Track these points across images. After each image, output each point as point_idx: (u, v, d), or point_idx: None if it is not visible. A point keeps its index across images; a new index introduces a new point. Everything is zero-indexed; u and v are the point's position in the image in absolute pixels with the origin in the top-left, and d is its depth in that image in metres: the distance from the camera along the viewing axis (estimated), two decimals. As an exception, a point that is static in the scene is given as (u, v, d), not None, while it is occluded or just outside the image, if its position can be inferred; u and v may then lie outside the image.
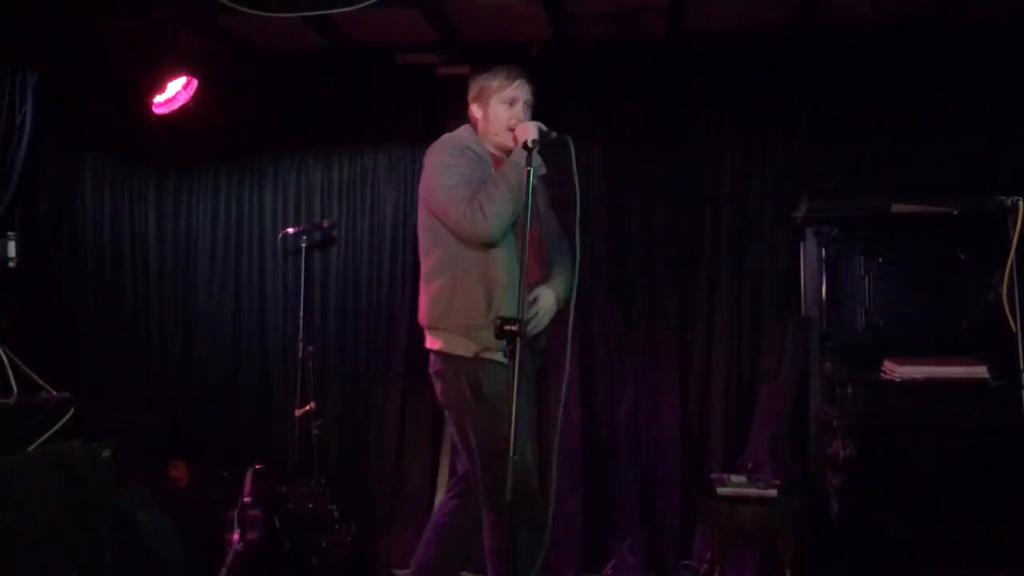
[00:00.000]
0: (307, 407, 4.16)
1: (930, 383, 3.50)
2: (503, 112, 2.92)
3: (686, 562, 4.02)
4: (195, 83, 4.07)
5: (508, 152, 2.89)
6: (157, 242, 4.74)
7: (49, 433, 2.91)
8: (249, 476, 3.88)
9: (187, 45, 4.02)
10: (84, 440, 2.97)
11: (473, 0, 3.65)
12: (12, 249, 3.58)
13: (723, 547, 3.55)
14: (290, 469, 4.14)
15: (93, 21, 3.82)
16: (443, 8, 3.78)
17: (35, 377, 3.05)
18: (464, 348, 2.83)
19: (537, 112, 2.97)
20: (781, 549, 3.50)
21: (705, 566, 3.66)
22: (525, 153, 2.68)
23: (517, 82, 2.92)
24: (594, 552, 4.14)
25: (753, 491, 3.54)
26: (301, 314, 4.32)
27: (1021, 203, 2.84)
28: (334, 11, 3.46)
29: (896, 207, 3.75)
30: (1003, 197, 2.88)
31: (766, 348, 4.09)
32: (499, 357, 2.71)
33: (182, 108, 4.08)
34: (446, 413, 3.03)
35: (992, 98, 4.00)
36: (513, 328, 2.42)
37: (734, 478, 3.64)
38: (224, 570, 3.72)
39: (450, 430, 3.14)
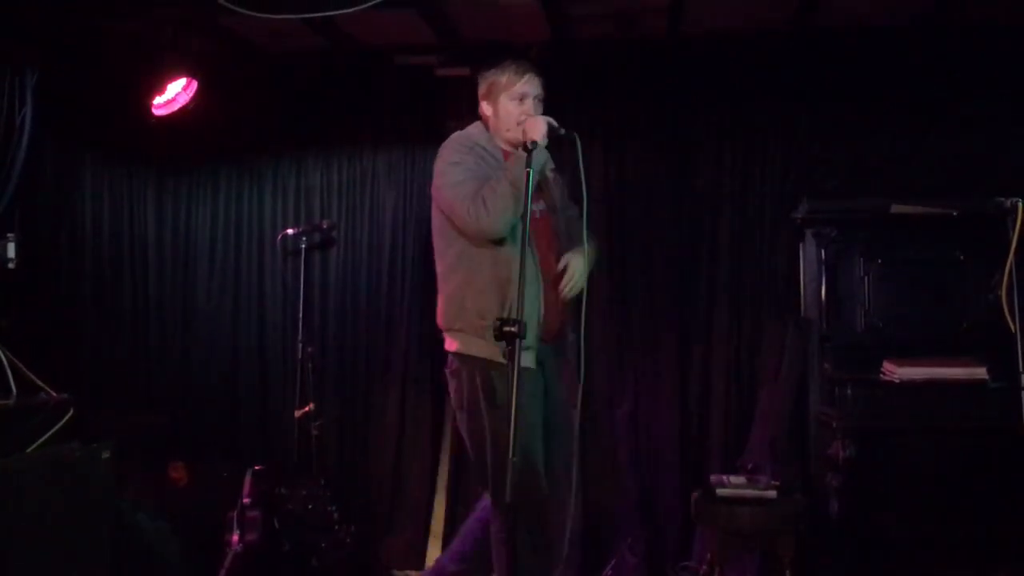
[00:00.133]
0: (307, 408, 4.16)
1: (929, 384, 3.50)
2: (513, 108, 2.90)
3: (686, 563, 4.02)
4: (195, 84, 4.07)
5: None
6: (156, 243, 4.74)
7: (49, 434, 2.92)
8: (248, 477, 3.88)
9: (187, 45, 4.02)
10: (83, 441, 2.97)
11: (472, 1, 3.65)
12: (12, 250, 3.57)
13: (723, 548, 3.55)
14: (289, 470, 4.14)
15: (93, 21, 3.82)
16: (442, 9, 3.78)
17: (34, 378, 3.05)
18: (478, 349, 2.80)
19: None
20: (781, 550, 3.49)
21: (705, 567, 3.66)
22: (537, 149, 2.68)
23: (526, 77, 2.90)
24: (594, 552, 4.14)
25: (753, 492, 3.54)
26: (300, 315, 4.32)
27: (1020, 204, 2.84)
28: (334, 12, 3.46)
29: (896, 208, 3.75)
30: (1002, 198, 2.88)
31: (766, 349, 4.10)
32: (520, 361, 2.69)
33: (182, 109, 4.08)
34: (456, 414, 3.00)
35: (992, 98, 4.00)
36: (512, 329, 2.40)
37: (734, 479, 3.63)
38: (223, 571, 3.72)
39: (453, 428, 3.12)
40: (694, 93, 4.27)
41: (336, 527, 4.02)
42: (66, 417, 2.97)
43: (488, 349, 2.74)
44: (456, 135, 3.01)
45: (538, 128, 2.74)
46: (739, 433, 4.10)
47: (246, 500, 3.83)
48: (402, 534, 4.35)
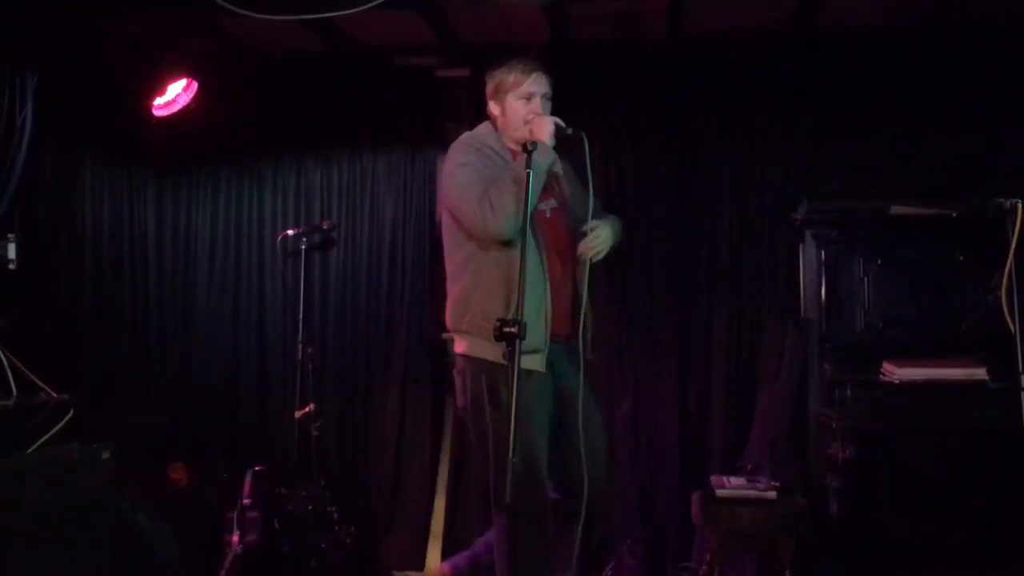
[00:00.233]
0: (307, 409, 4.16)
1: (929, 385, 3.50)
2: (520, 108, 2.88)
3: (685, 564, 4.02)
4: (195, 85, 4.08)
5: None
6: (156, 243, 4.74)
7: (49, 435, 2.92)
8: (248, 477, 3.88)
9: (187, 46, 4.03)
10: (83, 441, 2.98)
11: (473, 2, 3.65)
12: (12, 251, 3.57)
13: (722, 548, 3.55)
14: (289, 470, 4.14)
15: (93, 21, 3.82)
16: (442, 10, 3.78)
17: (34, 379, 3.06)
18: (483, 350, 2.77)
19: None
20: (780, 550, 3.50)
21: (704, 568, 3.66)
22: (544, 147, 2.68)
23: (533, 76, 2.88)
24: (594, 553, 4.13)
25: (752, 492, 3.54)
26: (300, 315, 4.32)
27: (1020, 205, 2.84)
28: (334, 13, 3.46)
29: (895, 209, 3.75)
30: (1002, 199, 2.88)
31: (766, 349, 4.09)
32: (526, 364, 2.65)
33: (182, 110, 4.08)
34: (463, 415, 2.99)
35: (992, 99, 4.00)
36: (512, 330, 2.39)
37: (733, 479, 3.64)
38: (223, 572, 3.72)
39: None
40: (694, 93, 4.27)
41: (336, 528, 4.02)
42: (66, 418, 2.98)
43: (493, 351, 2.70)
44: (464, 136, 2.99)
45: (545, 128, 2.74)
46: (739, 433, 4.10)
47: (246, 501, 3.83)
48: (402, 534, 4.35)
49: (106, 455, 3.00)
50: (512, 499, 2.31)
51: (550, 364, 2.82)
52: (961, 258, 3.78)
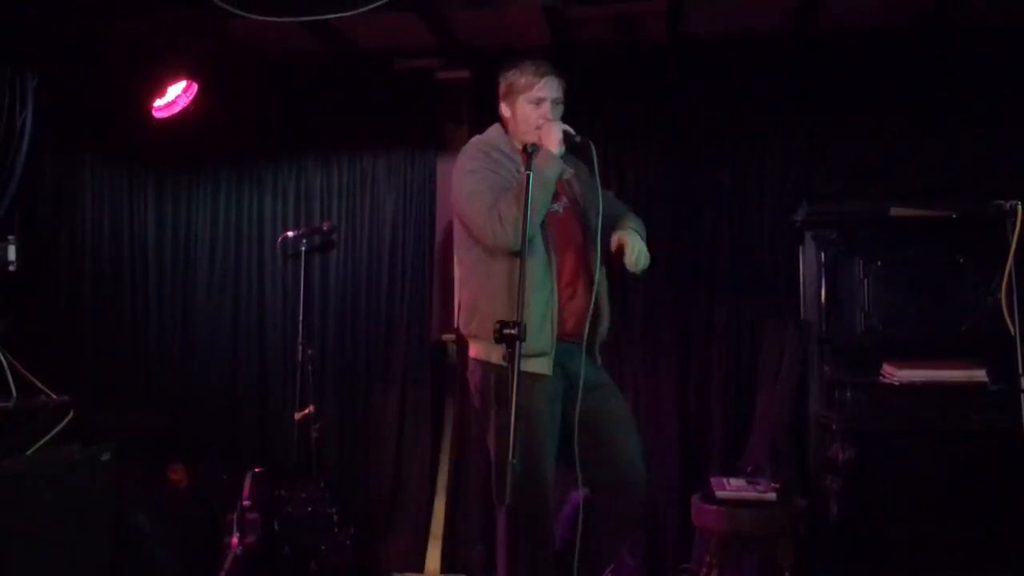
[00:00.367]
0: (306, 410, 4.16)
1: (929, 386, 3.50)
2: (531, 112, 2.87)
3: (685, 565, 4.02)
4: (195, 87, 4.08)
5: None
6: (156, 244, 4.74)
7: (49, 436, 2.93)
8: (248, 479, 3.88)
9: (187, 47, 4.03)
10: (83, 443, 2.98)
11: (473, 3, 3.64)
12: (12, 253, 3.58)
13: (722, 550, 3.55)
14: (289, 472, 4.14)
15: (93, 21, 3.82)
16: (442, 12, 3.78)
17: (34, 380, 3.06)
18: (489, 354, 2.77)
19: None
20: (780, 552, 3.49)
21: (704, 569, 3.65)
22: (552, 158, 2.68)
23: (543, 80, 2.86)
24: (592, 553, 4.13)
25: (752, 494, 3.54)
26: (300, 317, 4.33)
27: (1020, 207, 2.85)
28: (334, 15, 3.46)
29: (895, 211, 3.75)
30: (1002, 201, 2.89)
31: (765, 351, 4.09)
32: (532, 367, 2.67)
33: (182, 112, 4.09)
34: (477, 417, 2.99)
35: (992, 99, 3.99)
36: (513, 332, 2.39)
37: (733, 481, 3.63)
38: (223, 573, 3.73)
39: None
40: (694, 94, 4.27)
41: (336, 529, 4.02)
42: (66, 419, 2.98)
43: (497, 354, 2.69)
44: (474, 139, 2.98)
45: (553, 137, 2.73)
46: (739, 434, 4.09)
47: (246, 502, 3.83)
48: (402, 535, 4.35)
49: (106, 456, 3.00)
50: (511, 499, 2.31)
51: (561, 365, 2.80)
52: (961, 259, 3.78)
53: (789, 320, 4.02)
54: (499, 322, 2.41)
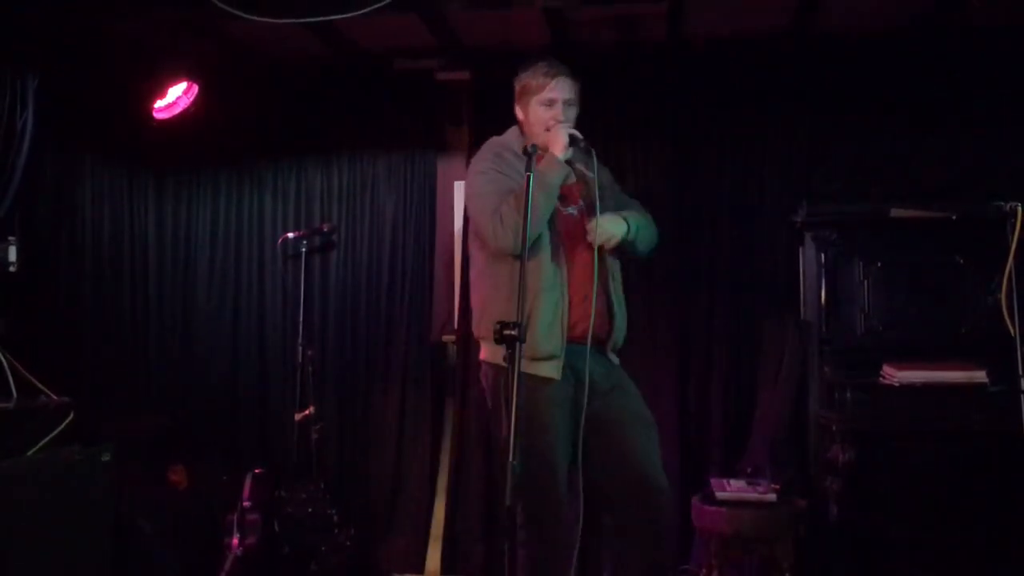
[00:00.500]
0: (306, 411, 4.16)
1: (929, 387, 3.50)
2: (542, 113, 2.88)
3: (685, 566, 4.01)
4: (195, 89, 4.08)
5: None
6: (157, 245, 4.75)
7: (49, 437, 2.92)
8: (248, 480, 3.88)
9: (187, 48, 4.03)
10: (84, 444, 2.98)
11: (473, 4, 3.64)
12: (12, 254, 3.58)
13: (722, 551, 3.55)
14: (289, 473, 4.15)
15: (93, 22, 3.82)
16: (443, 13, 3.78)
17: (35, 381, 3.06)
18: (495, 355, 2.73)
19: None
20: (780, 553, 3.50)
21: (704, 570, 3.66)
22: (556, 162, 2.69)
23: (555, 81, 2.87)
24: (593, 555, 4.13)
25: (752, 495, 3.54)
26: (300, 318, 4.33)
27: (1020, 208, 2.85)
28: (335, 16, 3.46)
29: (895, 212, 3.75)
30: (1002, 202, 2.89)
31: (765, 352, 4.09)
32: (541, 370, 2.67)
33: (182, 113, 4.09)
34: (489, 418, 2.99)
35: (992, 100, 3.99)
36: (512, 333, 2.38)
37: (733, 482, 3.64)
38: (223, 574, 3.73)
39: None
40: (694, 95, 4.27)
41: (336, 530, 4.03)
42: (66, 420, 2.98)
43: (502, 355, 2.65)
44: (490, 141, 2.99)
45: (559, 141, 2.75)
46: (739, 435, 4.09)
47: (246, 503, 3.83)
48: (402, 536, 4.35)
49: (106, 457, 3.00)
50: (513, 501, 2.30)
51: (573, 369, 2.78)
52: (961, 261, 3.77)
53: (789, 320, 4.02)
54: (499, 323, 2.40)
